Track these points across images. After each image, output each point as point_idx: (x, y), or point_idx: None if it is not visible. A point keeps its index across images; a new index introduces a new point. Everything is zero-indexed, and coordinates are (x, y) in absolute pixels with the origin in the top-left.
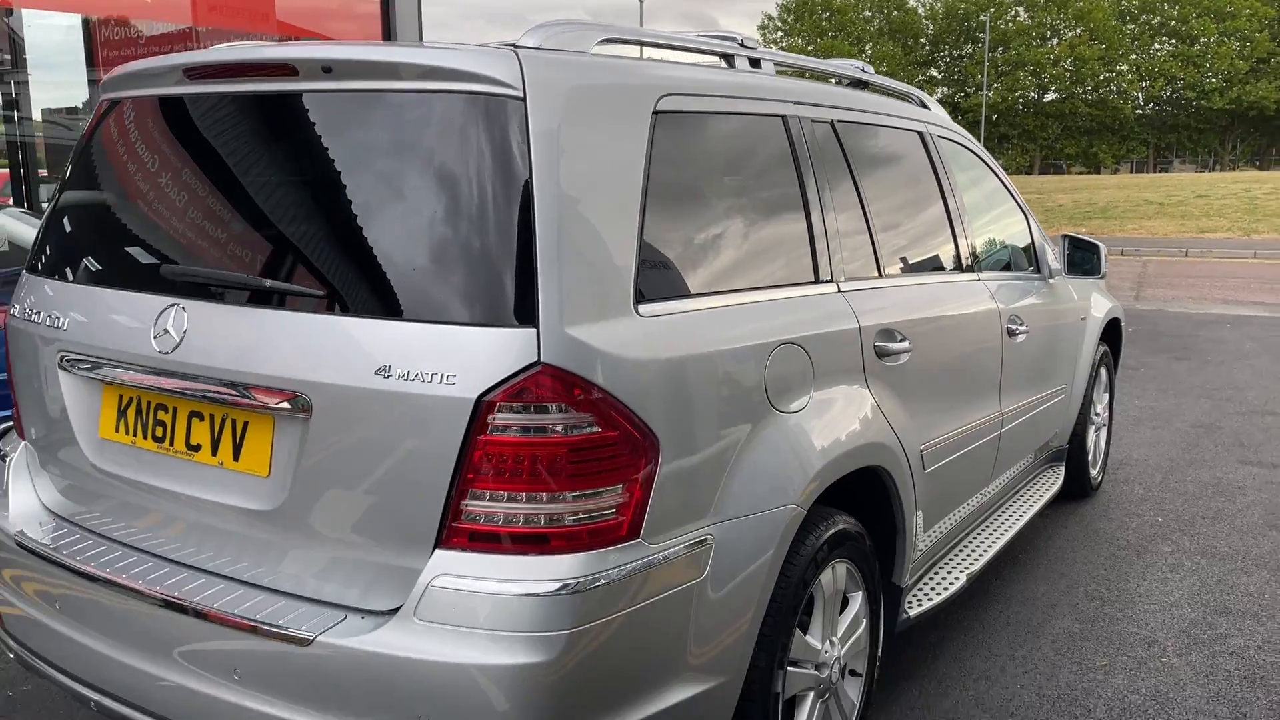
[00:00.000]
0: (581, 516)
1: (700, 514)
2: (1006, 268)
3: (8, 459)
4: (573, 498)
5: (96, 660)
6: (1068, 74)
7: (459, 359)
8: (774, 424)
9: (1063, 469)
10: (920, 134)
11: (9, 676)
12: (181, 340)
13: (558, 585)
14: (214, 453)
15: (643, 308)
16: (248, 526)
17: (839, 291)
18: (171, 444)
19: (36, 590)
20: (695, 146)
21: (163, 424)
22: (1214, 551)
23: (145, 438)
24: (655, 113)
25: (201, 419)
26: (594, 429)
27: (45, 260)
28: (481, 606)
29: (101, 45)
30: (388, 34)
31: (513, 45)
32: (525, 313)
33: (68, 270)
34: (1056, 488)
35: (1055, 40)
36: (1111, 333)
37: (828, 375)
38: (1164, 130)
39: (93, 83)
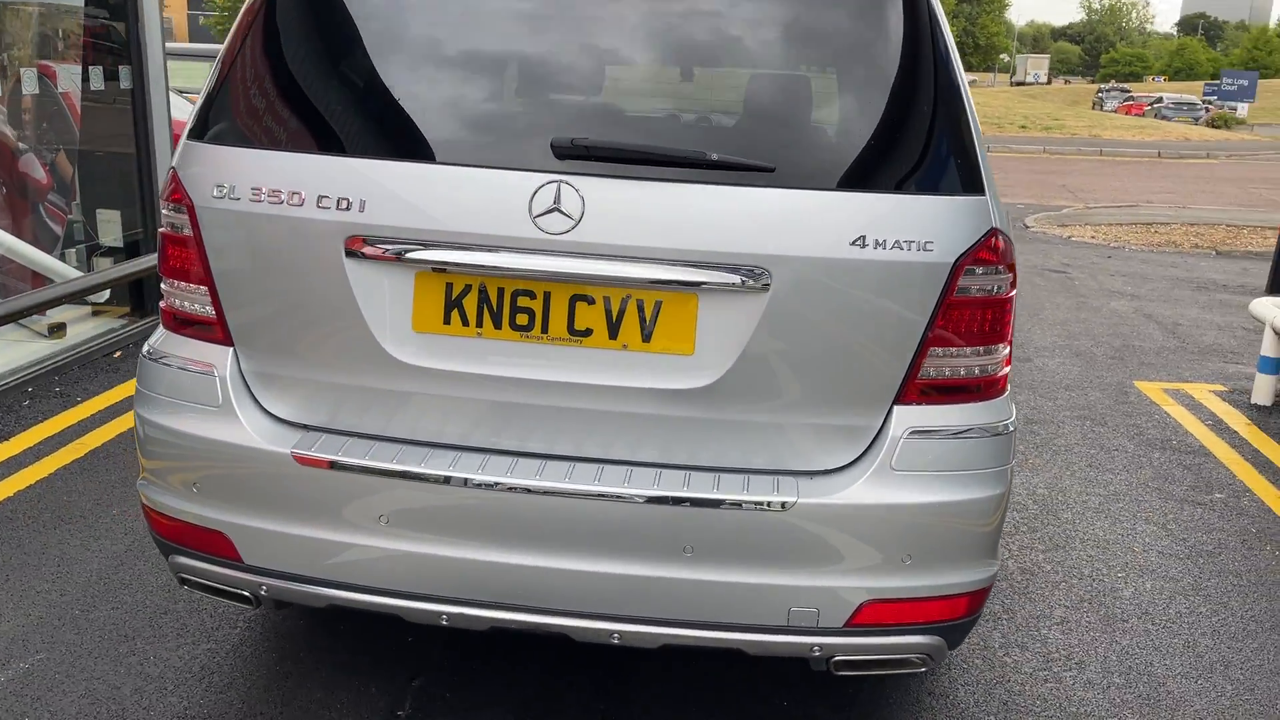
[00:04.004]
0: (993, 368)
1: None
2: None
3: (215, 371)
4: (995, 351)
5: (454, 569)
6: None
7: (933, 227)
8: None
9: None
10: None
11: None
12: (580, 220)
13: (1001, 426)
14: (612, 336)
15: None
16: (663, 407)
17: None
18: (545, 331)
19: (347, 509)
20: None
21: (528, 311)
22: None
23: (500, 327)
24: None
25: (591, 303)
26: (1011, 290)
27: (279, 131)
28: (954, 451)
29: None
30: None
31: None
32: (974, 183)
33: (344, 142)
34: None
35: None
36: None
37: None
38: None
39: None
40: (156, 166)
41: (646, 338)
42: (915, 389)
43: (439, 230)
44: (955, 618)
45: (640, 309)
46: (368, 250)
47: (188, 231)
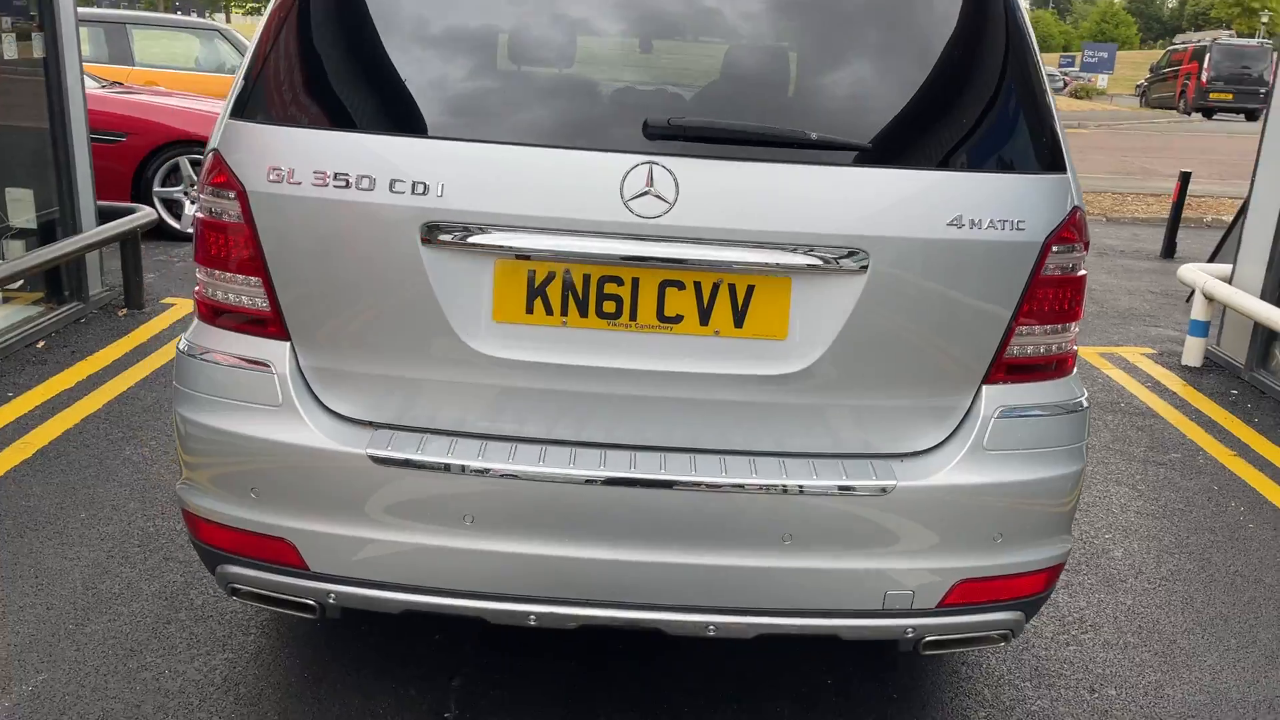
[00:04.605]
0: (1066, 346)
1: None
2: None
3: (273, 368)
4: (1070, 329)
5: (543, 568)
6: None
7: (1023, 206)
8: None
9: None
10: None
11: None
12: (675, 203)
13: (1075, 403)
14: (703, 323)
15: None
16: (756, 393)
17: None
18: (633, 319)
19: (428, 510)
20: None
21: (615, 298)
22: None
23: (585, 315)
24: None
25: (681, 288)
26: (1084, 269)
27: (344, 109)
28: (1040, 429)
29: None
30: None
31: None
32: (1057, 160)
33: (418, 122)
34: None
35: None
36: None
37: None
38: None
39: None
40: (73, 141)
41: (739, 323)
42: (1002, 368)
43: (523, 215)
44: (1036, 593)
45: (733, 293)
46: (446, 237)
47: (234, 218)
